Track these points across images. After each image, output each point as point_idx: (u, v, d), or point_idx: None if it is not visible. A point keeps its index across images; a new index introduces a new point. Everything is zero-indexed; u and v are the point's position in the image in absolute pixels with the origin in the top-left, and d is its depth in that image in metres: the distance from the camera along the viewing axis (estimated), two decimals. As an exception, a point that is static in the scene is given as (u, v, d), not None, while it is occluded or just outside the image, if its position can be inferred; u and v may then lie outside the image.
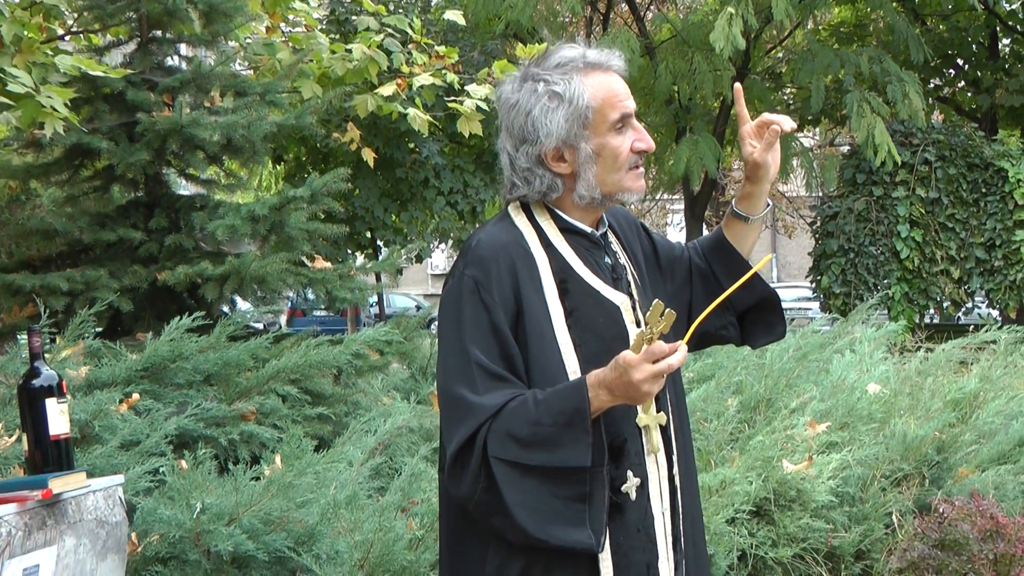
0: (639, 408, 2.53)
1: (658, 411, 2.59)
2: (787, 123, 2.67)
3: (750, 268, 2.75)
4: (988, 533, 5.21)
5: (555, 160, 2.56)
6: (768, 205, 2.83)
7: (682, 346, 2.35)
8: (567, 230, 2.61)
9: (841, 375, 6.56)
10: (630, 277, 2.67)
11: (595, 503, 2.40)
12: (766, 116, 2.71)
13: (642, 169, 2.61)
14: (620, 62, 2.60)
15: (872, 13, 20.84)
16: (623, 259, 2.70)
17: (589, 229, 2.64)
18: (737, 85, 2.84)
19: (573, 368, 2.49)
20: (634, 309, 2.62)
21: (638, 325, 2.58)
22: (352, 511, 4.11)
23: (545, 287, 2.53)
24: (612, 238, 2.73)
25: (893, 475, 5.70)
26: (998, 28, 21.07)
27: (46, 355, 3.60)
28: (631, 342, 2.40)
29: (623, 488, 2.50)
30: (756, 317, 2.89)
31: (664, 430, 2.60)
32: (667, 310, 2.35)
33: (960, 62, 21.68)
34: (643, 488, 2.54)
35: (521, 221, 2.61)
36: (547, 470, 2.38)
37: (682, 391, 2.78)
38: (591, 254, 2.62)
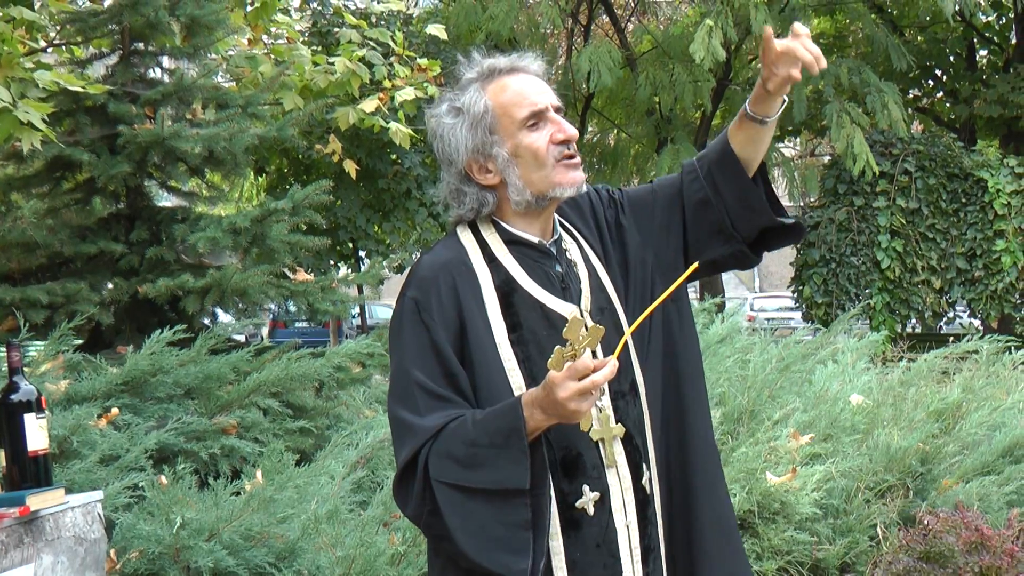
0: (579, 425, 2.43)
1: (618, 421, 2.51)
2: (815, 65, 2.46)
3: (756, 187, 2.64)
4: (973, 545, 5.21)
5: (480, 173, 2.53)
6: (784, 101, 2.62)
7: (611, 361, 2.26)
8: (513, 242, 2.55)
9: (824, 386, 6.55)
10: (584, 285, 2.57)
11: (539, 528, 2.35)
12: (796, 46, 2.47)
13: (576, 160, 2.52)
14: (531, 63, 2.55)
15: (851, 25, 20.96)
16: (579, 266, 2.60)
17: (536, 239, 2.56)
18: (767, 27, 2.57)
19: (518, 384, 2.43)
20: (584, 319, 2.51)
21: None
22: (333, 526, 4.09)
23: (487, 302, 2.48)
24: (569, 242, 2.63)
25: (877, 487, 5.70)
26: (975, 39, 21.22)
27: (25, 368, 3.58)
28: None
29: (578, 503, 2.45)
30: (768, 233, 2.73)
31: (630, 439, 2.53)
32: (592, 325, 2.30)
33: (938, 73, 21.81)
34: (603, 502, 2.48)
35: (466, 237, 2.57)
36: (488, 493, 2.33)
37: (687, 393, 2.65)
38: (539, 264, 2.55)
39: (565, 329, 2.29)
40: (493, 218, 2.58)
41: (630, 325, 2.56)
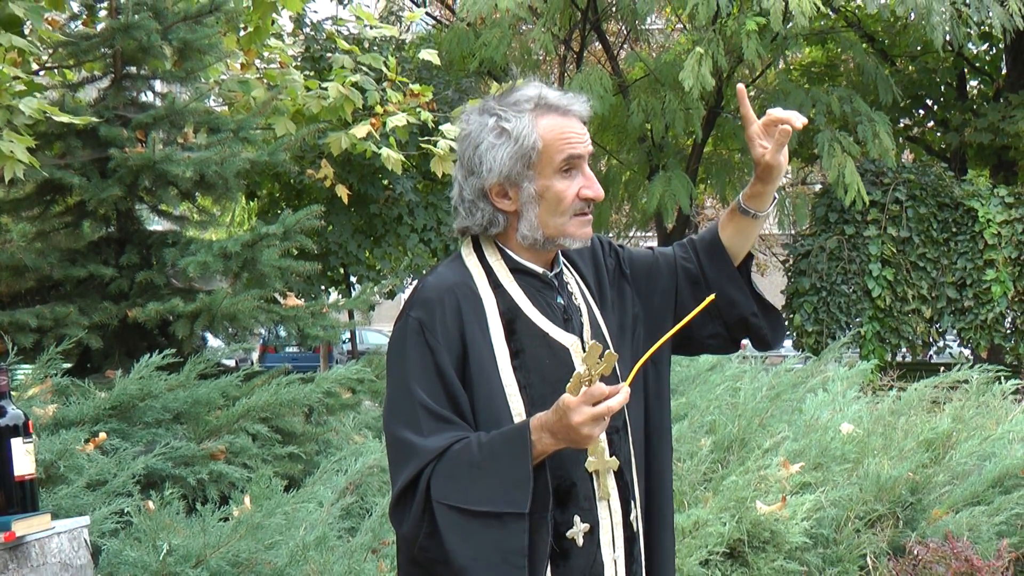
0: (588, 452, 2.47)
1: (612, 455, 2.53)
2: (797, 119, 2.54)
3: (739, 278, 2.73)
4: None
5: (499, 196, 2.53)
6: (775, 199, 2.72)
7: (624, 388, 2.30)
8: (517, 270, 2.57)
9: (814, 414, 6.55)
10: (584, 318, 2.61)
11: (537, 554, 2.36)
12: (773, 114, 2.58)
13: (590, 216, 2.55)
14: (582, 106, 2.55)
15: (842, 54, 21.05)
16: (578, 299, 2.63)
17: (540, 270, 2.59)
18: (740, 86, 2.72)
19: (518, 410, 2.45)
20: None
21: None
22: (322, 552, 4.07)
23: (491, 328, 2.49)
24: (569, 276, 2.67)
25: (867, 516, 5.68)
26: (965, 70, 21.33)
27: (12, 392, 3.56)
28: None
29: (568, 534, 2.46)
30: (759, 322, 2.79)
31: (622, 474, 2.55)
32: (607, 351, 2.32)
33: (929, 102, 21.90)
34: (592, 534, 2.49)
35: (472, 261, 2.58)
36: (489, 516, 2.33)
37: (658, 430, 2.71)
38: (542, 294, 2.57)
39: (584, 354, 2.31)
40: (498, 244, 2.58)
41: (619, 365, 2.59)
